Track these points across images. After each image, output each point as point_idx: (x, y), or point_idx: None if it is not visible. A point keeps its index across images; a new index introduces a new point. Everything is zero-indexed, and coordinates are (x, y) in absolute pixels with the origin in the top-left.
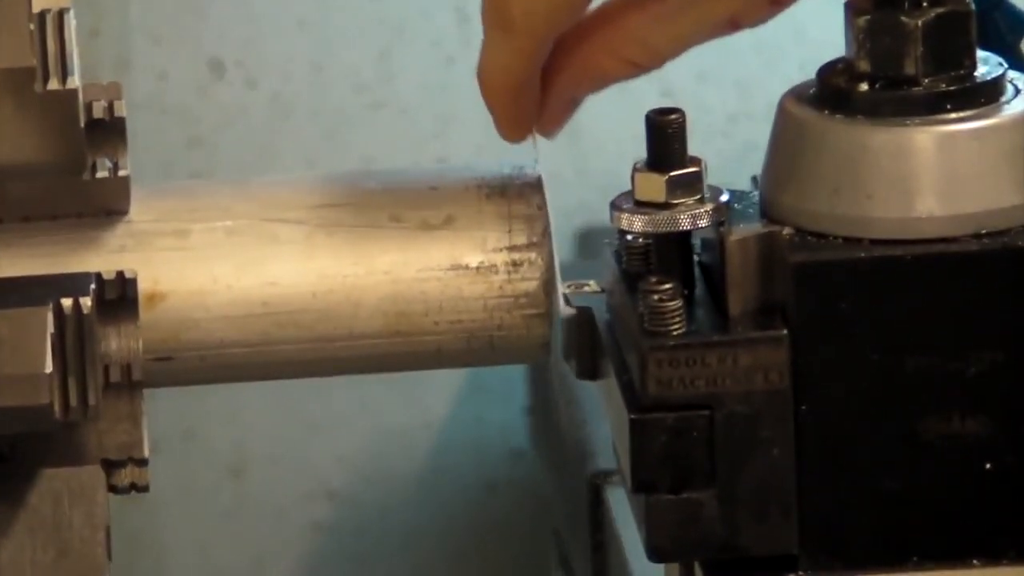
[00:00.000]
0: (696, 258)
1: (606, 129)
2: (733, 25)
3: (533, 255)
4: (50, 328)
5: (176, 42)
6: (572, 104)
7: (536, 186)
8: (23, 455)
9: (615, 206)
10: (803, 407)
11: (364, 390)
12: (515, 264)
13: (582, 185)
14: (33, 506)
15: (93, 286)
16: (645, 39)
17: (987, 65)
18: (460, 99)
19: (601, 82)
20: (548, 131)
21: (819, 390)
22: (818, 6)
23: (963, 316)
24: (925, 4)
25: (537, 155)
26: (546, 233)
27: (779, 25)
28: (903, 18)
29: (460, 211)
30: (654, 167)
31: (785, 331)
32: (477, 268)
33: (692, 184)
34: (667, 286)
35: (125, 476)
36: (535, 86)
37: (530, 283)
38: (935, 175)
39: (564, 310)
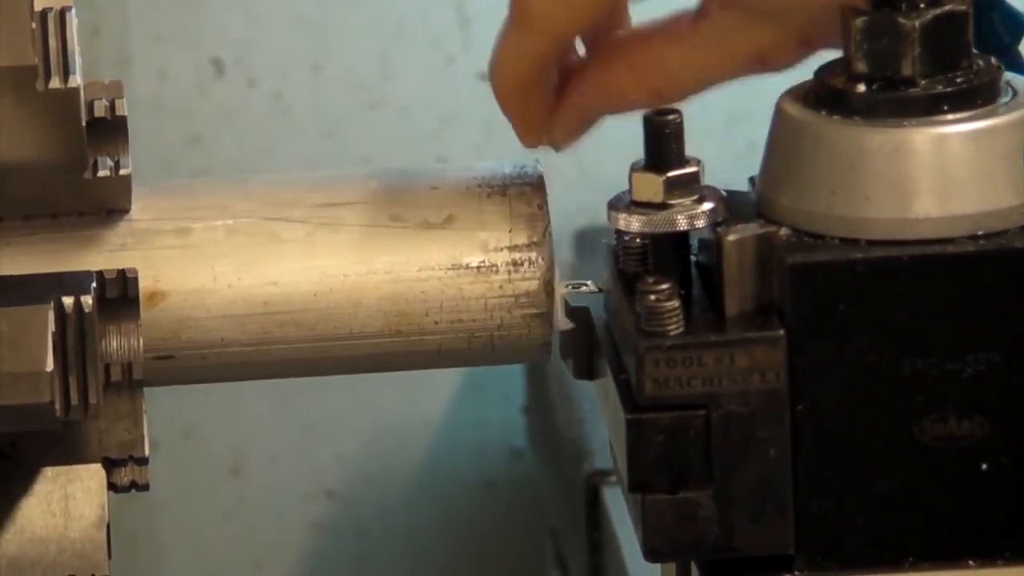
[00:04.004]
0: (693, 258)
1: (607, 129)
2: (761, 64)
3: (534, 255)
4: (51, 326)
5: (176, 41)
6: (586, 121)
7: (537, 186)
8: (24, 453)
9: (612, 206)
10: (799, 407)
11: (363, 390)
12: (516, 264)
13: (582, 185)
14: (33, 504)
15: (94, 284)
16: (669, 66)
17: (984, 66)
18: (459, 99)
19: (619, 103)
20: (557, 142)
21: (815, 390)
22: None
23: (960, 317)
24: (922, 5)
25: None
26: (547, 233)
27: None
28: (900, 19)
29: (461, 211)
30: (651, 167)
31: (782, 331)
32: (478, 268)
33: (689, 184)
34: (664, 286)
35: (125, 475)
36: (547, 89)
37: (531, 283)
38: (932, 176)
39: (563, 323)
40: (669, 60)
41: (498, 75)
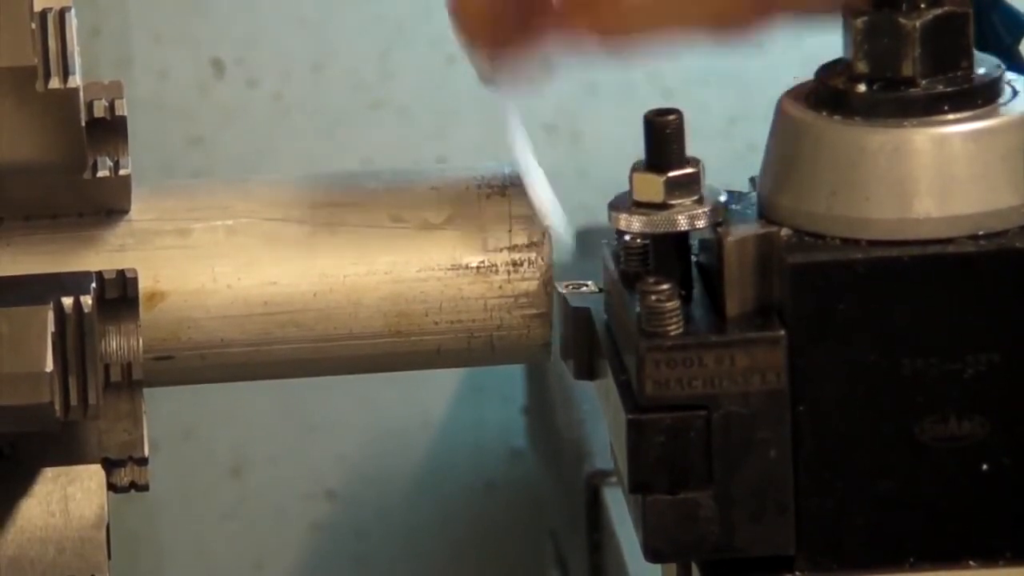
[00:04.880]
0: (694, 259)
1: (606, 130)
2: (717, 22)
3: (533, 255)
4: (51, 327)
5: (177, 41)
6: (546, 61)
7: None
8: (23, 453)
9: (613, 207)
10: (800, 408)
11: (363, 390)
12: (515, 264)
13: (582, 185)
14: (33, 504)
15: (94, 285)
16: (623, 8)
17: (984, 66)
18: (460, 99)
19: (574, 41)
20: (517, 81)
21: (816, 391)
22: None
23: (960, 317)
24: (923, 5)
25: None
26: (546, 233)
27: None
28: (901, 19)
29: (460, 211)
30: (652, 168)
31: (782, 332)
32: (477, 268)
33: (690, 185)
34: (665, 287)
35: (125, 475)
36: (509, 25)
37: (530, 283)
38: (932, 176)
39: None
40: (624, 1)
41: (459, 7)
